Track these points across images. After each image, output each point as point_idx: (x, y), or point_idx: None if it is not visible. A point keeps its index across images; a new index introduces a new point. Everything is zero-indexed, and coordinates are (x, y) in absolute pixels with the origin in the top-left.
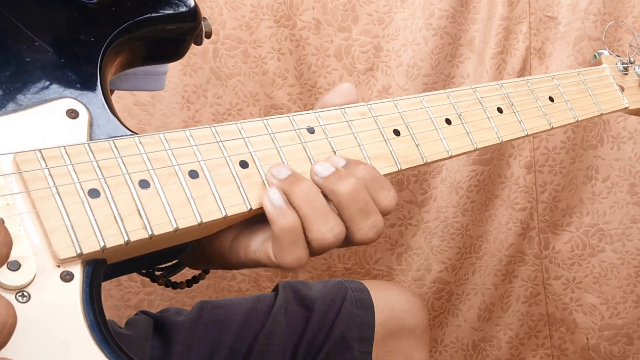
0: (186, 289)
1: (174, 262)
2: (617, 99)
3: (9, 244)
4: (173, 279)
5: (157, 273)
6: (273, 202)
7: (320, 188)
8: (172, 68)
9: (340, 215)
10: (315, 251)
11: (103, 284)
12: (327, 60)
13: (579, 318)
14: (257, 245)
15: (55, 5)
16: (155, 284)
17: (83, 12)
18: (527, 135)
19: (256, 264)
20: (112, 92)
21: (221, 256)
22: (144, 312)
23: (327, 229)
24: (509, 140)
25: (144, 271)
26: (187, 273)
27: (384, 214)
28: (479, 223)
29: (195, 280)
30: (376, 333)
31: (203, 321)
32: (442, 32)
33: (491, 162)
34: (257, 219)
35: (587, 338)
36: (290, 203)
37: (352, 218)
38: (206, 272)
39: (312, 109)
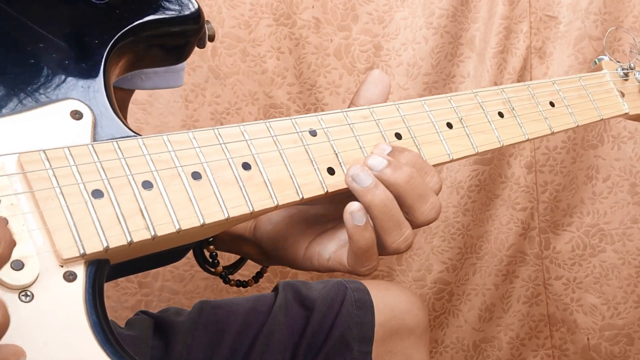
0: (186, 289)
1: (238, 259)
2: (617, 104)
3: (11, 244)
4: (236, 277)
5: (222, 272)
6: (355, 221)
7: (378, 179)
8: None
9: (401, 204)
10: (387, 257)
11: None
12: (327, 59)
13: (580, 318)
14: (330, 254)
15: (60, 6)
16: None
17: (87, 13)
18: (527, 140)
19: (329, 271)
20: (132, 91)
21: (295, 264)
22: (144, 312)
23: (401, 239)
24: (510, 144)
25: (217, 274)
26: (245, 270)
27: None
28: (480, 223)
29: (260, 275)
30: (376, 333)
31: (203, 321)
32: (443, 31)
33: (492, 162)
34: (331, 224)
35: (588, 338)
36: (369, 212)
37: (412, 204)
38: (267, 266)
39: (311, 109)
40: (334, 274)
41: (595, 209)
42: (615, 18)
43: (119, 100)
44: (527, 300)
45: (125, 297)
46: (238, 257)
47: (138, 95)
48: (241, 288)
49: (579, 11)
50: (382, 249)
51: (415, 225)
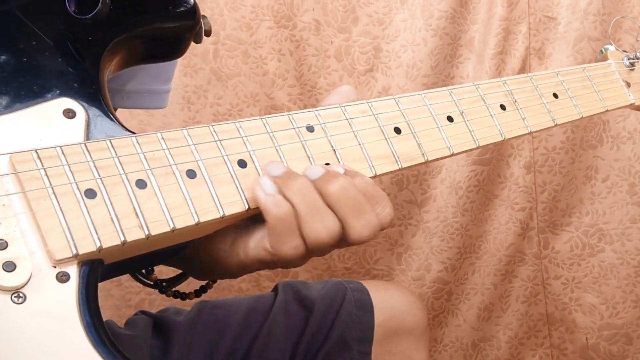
0: (189, 288)
1: (179, 273)
2: (622, 95)
3: None
4: (181, 289)
5: (163, 284)
6: (265, 190)
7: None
8: None
9: (336, 214)
10: (312, 248)
11: (103, 283)
12: (327, 61)
13: (579, 318)
14: (255, 242)
15: (55, 4)
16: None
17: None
18: (530, 133)
19: (256, 263)
20: (115, 110)
21: (222, 262)
22: (144, 312)
23: (321, 225)
24: (512, 137)
25: (151, 283)
26: (195, 283)
27: (381, 229)
28: (479, 223)
29: (203, 290)
30: (375, 333)
31: (202, 321)
32: (442, 33)
33: (491, 162)
34: (254, 221)
35: (587, 338)
36: (285, 198)
37: (345, 217)
38: (214, 281)
39: (307, 109)
40: (333, 274)
41: (594, 209)
42: (614, 18)
43: None
44: (525, 300)
45: (129, 296)
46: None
47: None
48: (180, 299)
49: (578, 12)
50: (305, 237)
51: (347, 241)
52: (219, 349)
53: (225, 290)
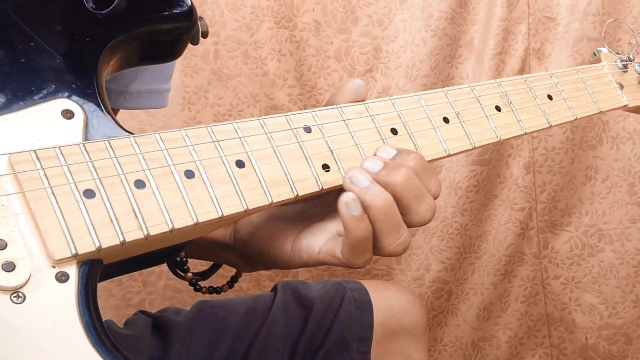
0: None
1: (209, 266)
2: (616, 96)
3: None
4: (209, 283)
5: (192, 278)
6: (351, 212)
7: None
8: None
9: (398, 205)
10: (385, 257)
11: (103, 283)
12: (327, 61)
13: (578, 318)
14: (320, 246)
15: (51, 4)
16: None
17: (79, 12)
18: (525, 134)
19: (320, 264)
20: (116, 111)
21: (282, 261)
22: (143, 312)
23: (399, 242)
24: (508, 138)
25: (187, 278)
26: (219, 275)
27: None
28: (478, 223)
29: (235, 280)
30: (375, 333)
31: (202, 321)
32: (441, 33)
33: (490, 162)
34: (315, 218)
35: (586, 337)
36: (366, 212)
37: (409, 205)
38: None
39: (304, 110)
40: (333, 274)
41: (593, 209)
42: (614, 19)
43: None
44: (525, 300)
45: (130, 296)
46: (209, 264)
47: None
48: (215, 294)
49: (578, 12)
50: (379, 250)
51: (409, 225)
52: (219, 349)
53: None
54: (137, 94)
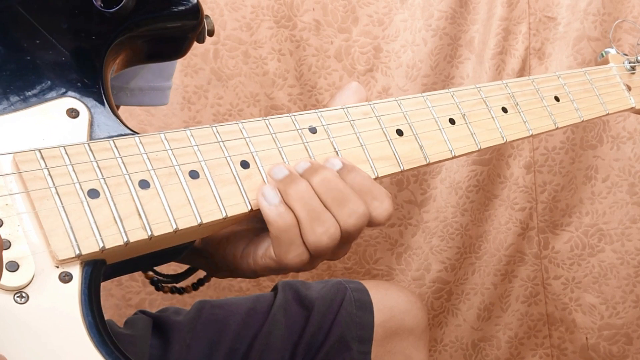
0: (171, 294)
1: (186, 268)
2: (623, 98)
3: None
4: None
5: (163, 279)
6: (269, 201)
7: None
8: None
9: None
10: (315, 254)
11: (104, 283)
12: (327, 61)
13: (579, 318)
14: (262, 251)
15: (59, 3)
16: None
17: (86, 10)
18: (532, 136)
19: (265, 269)
20: (117, 107)
21: (234, 266)
22: (143, 312)
23: (322, 230)
24: (514, 140)
25: (151, 279)
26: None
27: (374, 224)
28: (479, 223)
29: (200, 283)
30: (375, 333)
31: (202, 321)
32: (442, 33)
33: (490, 162)
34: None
35: (587, 338)
36: (287, 206)
37: (329, 207)
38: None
39: (312, 110)
40: (333, 274)
41: (594, 209)
42: (614, 19)
43: None
44: (525, 300)
45: (129, 295)
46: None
47: None
48: (178, 294)
49: (578, 12)
50: (307, 245)
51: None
52: (219, 349)
53: (225, 290)
54: (139, 90)
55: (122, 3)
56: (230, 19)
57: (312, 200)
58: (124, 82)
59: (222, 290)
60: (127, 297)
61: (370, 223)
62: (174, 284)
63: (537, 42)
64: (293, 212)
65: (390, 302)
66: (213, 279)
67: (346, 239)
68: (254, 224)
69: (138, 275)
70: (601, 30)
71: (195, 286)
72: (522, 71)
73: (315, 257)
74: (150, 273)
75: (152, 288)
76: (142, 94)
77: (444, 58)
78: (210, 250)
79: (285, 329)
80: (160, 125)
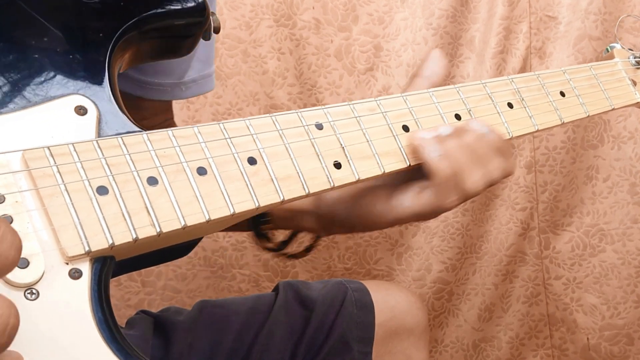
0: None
1: (290, 234)
2: (629, 93)
3: (18, 246)
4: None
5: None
6: (433, 152)
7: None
8: None
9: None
10: (467, 196)
11: None
12: (327, 59)
13: (580, 318)
14: (415, 197)
15: (64, 1)
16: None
17: (92, 7)
18: (537, 131)
19: (414, 216)
20: (170, 102)
21: (373, 221)
22: (144, 312)
23: (480, 174)
24: (520, 135)
25: (275, 248)
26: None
27: (508, 175)
28: (479, 223)
29: (311, 247)
30: (376, 333)
31: (203, 320)
32: (442, 32)
33: None
34: (401, 176)
35: (588, 338)
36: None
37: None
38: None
39: (316, 107)
40: (333, 274)
41: (595, 209)
42: (615, 18)
43: (158, 109)
44: (526, 300)
45: (128, 296)
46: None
47: None
48: (294, 259)
49: (579, 11)
50: (461, 187)
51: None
52: (220, 349)
53: (224, 291)
54: (193, 82)
55: None
56: (229, 18)
57: (469, 152)
58: (177, 78)
59: (221, 290)
60: (125, 297)
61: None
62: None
63: (538, 41)
64: (456, 162)
65: (391, 302)
66: (209, 281)
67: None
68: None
69: (137, 275)
70: (602, 30)
71: (308, 250)
72: (523, 70)
73: (465, 199)
74: (277, 242)
75: (151, 288)
76: (196, 85)
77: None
78: (331, 211)
79: (286, 329)
80: None
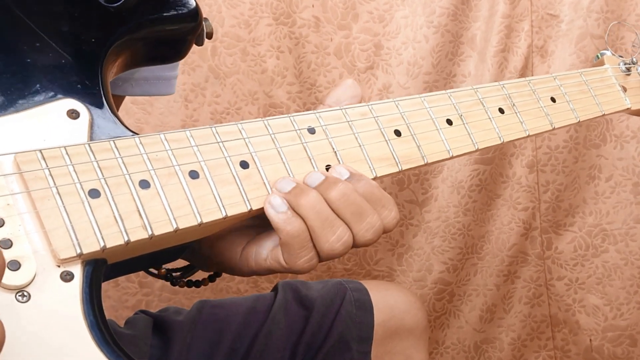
0: (186, 289)
1: (186, 265)
2: (619, 99)
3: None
4: (192, 278)
5: (174, 274)
6: (277, 209)
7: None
8: None
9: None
10: (325, 258)
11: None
12: (327, 58)
13: (582, 319)
14: (267, 252)
15: (56, 4)
16: (164, 285)
17: (85, 11)
18: (528, 136)
19: (268, 271)
20: (122, 97)
21: (232, 267)
22: (144, 312)
23: (335, 238)
24: (511, 140)
25: (162, 276)
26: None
27: (385, 232)
28: (481, 223)
29: (217, 275)
30: (375, 333)
31: (202, 320)
32: (443, 30)
33: (493, 161)
34: (262, 223)
35: (591, 339)
36: (297, 214)
37: (348, 222)
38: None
39: (311, 108)
40: (333, 275)
41: (597, 208)
42: (617, 16)
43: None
44: (528, 301)
45: (126, 297)
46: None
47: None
48: (195, 287)
49: (581, 9)
50: (318, 249)
51: (354, 243)
52: (219, 349)
53: (223, 292)
54: (144, 80)
55: None
56: (228, 16)
57: (324, 209)
58: (130, 73)
59: (219, 291)
60: (123, 298)
61: (383, 232)
62: (190, 278)
63: (539, 39)
64: (304, 220)
65: (390, 302)
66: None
67: (359, 247)
68: (251, 222)
69: (135, 276)
70: (604, 28)
71: (212, 278)
72: (525, 69)
73: (324, 260)
74: (163, 270)
75: (149, 289)
76: (148, 84)
77: (445, 55)
78: (203, 248)
79: (286, 329)
80: (156, 124)
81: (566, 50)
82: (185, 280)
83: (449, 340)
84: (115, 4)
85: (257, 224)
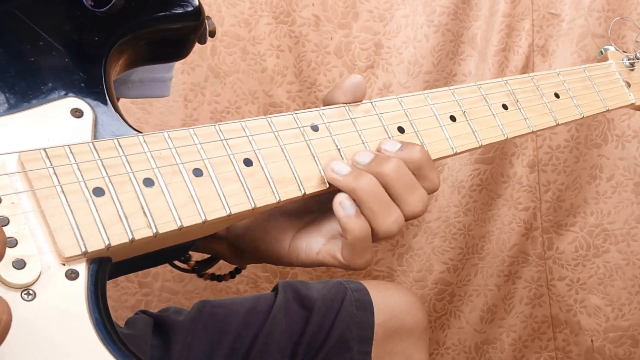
0: (186, 289)
1: (208, 257)
2: (623, 94)
3: (2, 240)
4: (214, 271)
5: (192, 266)
6: (346, 211)
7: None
8: None
9: (388, 191)
10: (381, 241)
11: None
12: (327, 57)
13: (584, 320)
14: (319, 246)
15: (60, 5)
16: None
17: (84, 12)
18: (532, 132)
19: (318, 264)
20: (117, 100)
21: (279, 259)
22: (144, 312)
23: (392, 220)
24: (514, 137)
25: (189, 268)
26: (225, 266)
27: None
28: (482, 223)
29: (238, 271)
30: (375, 333)
31: (203, 320)
32: (444, 29)
33: (494, 161)
34: (312, 216)
35: (592, 340)
36: (356, 197)
37: (400, 194)
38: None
39: (311, 107)
40: (333, 274)
41: (599, 208)
42: (618, 15)
43: None
44: (529, 302)
45: (126, 297)
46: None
47: None
48: (217, 281)
49: (582, 8)
50: (374, 234)
51: (405, 215)
52: (220, 349)
53: (222, 292)
54: (140, 82)
55: (112, 2)
56: (228, 15)
57: (381, 192)
58: (126, 75)
59: (219, 292)
60: (123, 298)
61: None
62: (213, 272)
63: (540, 39)
64: (363, 206)
65: (391, 302)
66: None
67: (405, 220)
68: (294, 208)
69: (134, 276)
70: (606, 27)
71: (233, 274)
72: (526, 68)
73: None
74: (192, 263)
75: (148, 289)
76: (144, 86)
77: (446, 55)
78: (240, 242)
79: (286, 329)
80: (156, 123)
81: (567, 50)
82: (210, 273)
83: (449, 340)
84: (103, 9)
85: (297, 208)
